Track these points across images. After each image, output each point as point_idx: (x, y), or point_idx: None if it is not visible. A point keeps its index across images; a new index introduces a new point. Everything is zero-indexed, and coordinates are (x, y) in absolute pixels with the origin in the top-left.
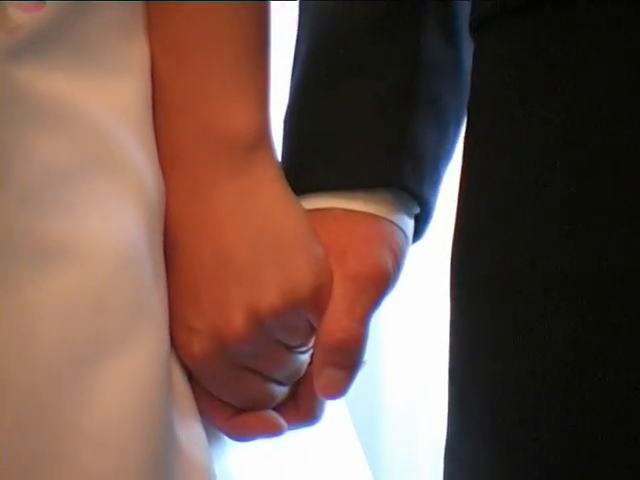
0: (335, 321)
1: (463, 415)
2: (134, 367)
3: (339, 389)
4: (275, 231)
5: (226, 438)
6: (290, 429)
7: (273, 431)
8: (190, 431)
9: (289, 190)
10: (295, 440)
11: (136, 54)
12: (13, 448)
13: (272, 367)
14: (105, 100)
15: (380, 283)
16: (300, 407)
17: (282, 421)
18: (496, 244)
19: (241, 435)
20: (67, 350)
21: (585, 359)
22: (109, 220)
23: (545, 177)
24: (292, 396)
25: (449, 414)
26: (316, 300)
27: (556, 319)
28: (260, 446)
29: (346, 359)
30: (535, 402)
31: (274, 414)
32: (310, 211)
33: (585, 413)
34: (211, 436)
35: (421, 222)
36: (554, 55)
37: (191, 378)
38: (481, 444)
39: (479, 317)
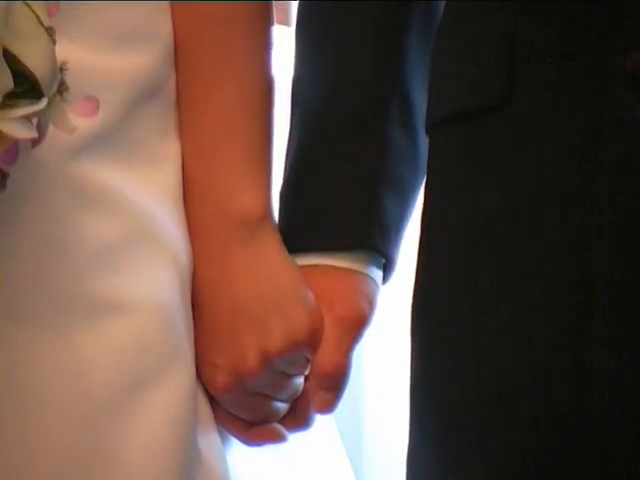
0: (327, 356)
1: (419, 427)
2: (168, 397)
3: (330, 407)
4: (278, 288)
5: (232, 439)
6: (289, 433)
7: (279, 440)
8: (210, 442)
9: (287, 253)
10: (291, 441)
11: (170, 148)
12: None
13: (277, 391)
14: (146, 187)
15: (360, 324)
16: (297, 417)
17: (284, 432)
18: (449, 291)
19: (254, 443)
20: (115, 387)
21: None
22: (151, 282)
23: (482, 243)
24: (291, 409)
25: (409, 427)
26: (312, 340)
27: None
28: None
29: (335, 384)
30: (480, 417)
31: (278, 426)
32: (302, 266)
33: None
34: (222, 437)
35: (387, 270)
36: (490, 151)
37: (212, 399)
38: (433, 451)
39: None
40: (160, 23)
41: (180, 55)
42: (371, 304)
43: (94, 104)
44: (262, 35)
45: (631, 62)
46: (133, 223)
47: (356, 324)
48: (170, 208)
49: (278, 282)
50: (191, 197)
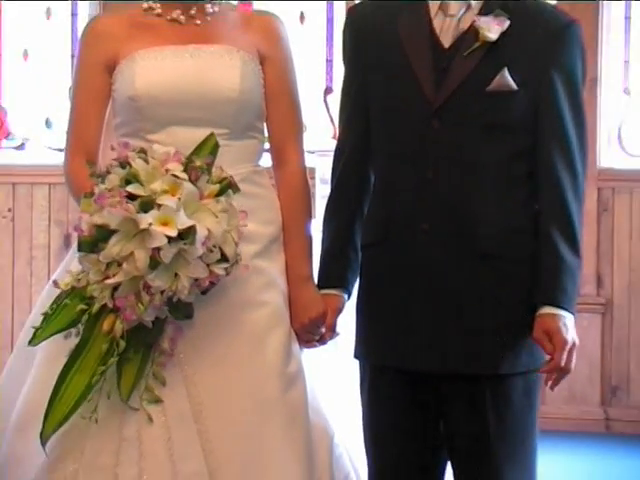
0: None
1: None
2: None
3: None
4: (318, 299)
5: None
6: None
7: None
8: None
9: (317, 288)
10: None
11: (282, 256)
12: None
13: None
14: (277, 269)
15: (336, 316)
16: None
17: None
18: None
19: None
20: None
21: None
22: (282, 298)
23: None
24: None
25: None
26: (325, 315)
27: None
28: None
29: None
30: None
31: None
32: (322, 294)
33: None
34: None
35: (349, 294)
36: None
37: None
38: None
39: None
40: (279, 216)
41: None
42: (342, 307)
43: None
44: (309, 222)
45: None
46: (282, 292)
47: (336, 313)
48: (283, 277)
49: (317, 296)
50: (289, 270)
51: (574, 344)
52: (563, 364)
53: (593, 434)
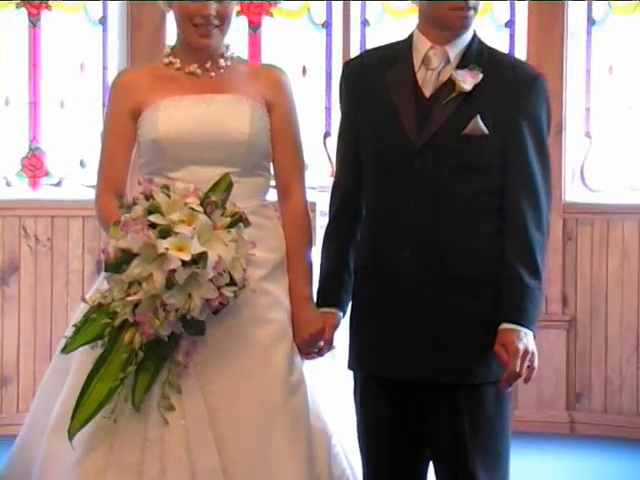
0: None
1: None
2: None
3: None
4: (318, 316)
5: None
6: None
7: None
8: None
9: (315, 307)
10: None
11: (286, 280)
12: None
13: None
14: (281, 290)
15: (333, 331)
16: (319, 354)
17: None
18: None
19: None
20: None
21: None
22: (286, 314)
23: None
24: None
25: None
26: (324, 330)
27: None
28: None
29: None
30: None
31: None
32: (321, 312)
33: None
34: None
35: (344, 312)
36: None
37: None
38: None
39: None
40: (283, 244)
41: (288, 254)
42: (338, 324)
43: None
44: (309, 249)
45: None
46: (286, 312)
47: (332, 329)
48: (287, 297)
49: (317, 314)
50: (292, 292)
51: (526, 351)
52: (517, 370)
53: (559, 435)
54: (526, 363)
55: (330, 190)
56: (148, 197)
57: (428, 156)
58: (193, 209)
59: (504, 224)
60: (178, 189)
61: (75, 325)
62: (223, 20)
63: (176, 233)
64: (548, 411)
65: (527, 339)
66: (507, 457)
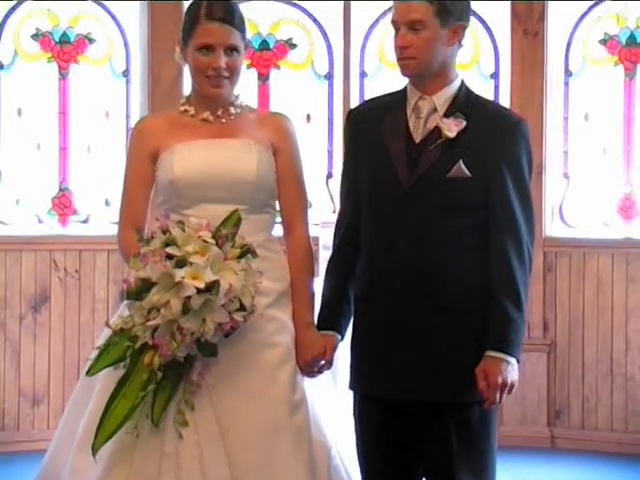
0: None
1: None
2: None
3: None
4: (319, 339)
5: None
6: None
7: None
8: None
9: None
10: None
11: (290, 306)
12: None
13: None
14: (286, 315)
15: (332, 353)
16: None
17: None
18: None
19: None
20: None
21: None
22: (290, 337)
23: None
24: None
25: None
26: (325, 351)
27: None
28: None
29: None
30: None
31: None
32: (321, 334)
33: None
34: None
35: (342, 336)
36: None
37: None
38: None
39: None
40: (287, 275)
41: (292, 284)
42: (336, 346)
43: None
44: (311, 280)
45: None
46: (289, 330)
47: (333, 350)
48: (291, 322)
49: (318, 338)
50: (295, 318)
51: (504, 384)
52: (495, 401)
53: (541, 449)
54: (504, 395)
55: (332, 226)
56: (165, 231)
57: (417, 196)
58: (206, 241)
59: (489, 258)
60: (192, 224)
61: (98, 348)
62: (232, 72)
63: (191, 263)
64: (531, 427)
65: (509, 368)
66: (493, 471)
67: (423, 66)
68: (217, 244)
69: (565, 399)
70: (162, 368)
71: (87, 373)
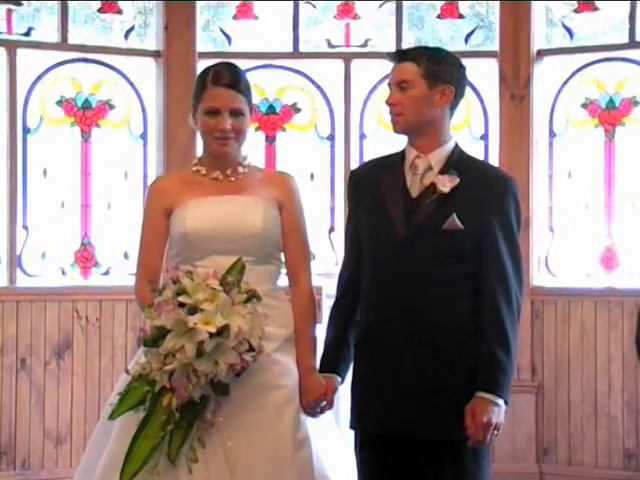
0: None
1: None
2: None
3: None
4: (320, 382)
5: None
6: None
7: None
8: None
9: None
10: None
11: (294, 352)
12: None
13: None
14: (290, 359)
15: (333, 394)
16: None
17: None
18: None
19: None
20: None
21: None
22: (294, 380)
23: None
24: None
25: None
26: (327, 393)
27: None
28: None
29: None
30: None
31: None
32: (323, 376)
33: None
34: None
35: (343, 379)
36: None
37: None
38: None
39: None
40: (292, 322)
41: (296, 330)
42: (337, 387)
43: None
44: (314, 327)
45: None
46: (293, 374)
47: (333, 392)
48: (295, 366)
49: (320, 382)
50: (299, 362)
51: (490, 424)
52: (480, 439)
53: None
54: (488, 434)
55: (335, 276)
56: (175, 281)
57: (413, 246)
58: (214, 289)
59: (480, 305)
60: (200, 273)
61: (119, 393)
62: (238, 133)
63: (202, 310)
64: (520, 464)
65: (496, 410)
66: None
67: (410, 123)
68: (225, 291)
69: (553, 437)
70: (179, 409)
71: (110, 417)
